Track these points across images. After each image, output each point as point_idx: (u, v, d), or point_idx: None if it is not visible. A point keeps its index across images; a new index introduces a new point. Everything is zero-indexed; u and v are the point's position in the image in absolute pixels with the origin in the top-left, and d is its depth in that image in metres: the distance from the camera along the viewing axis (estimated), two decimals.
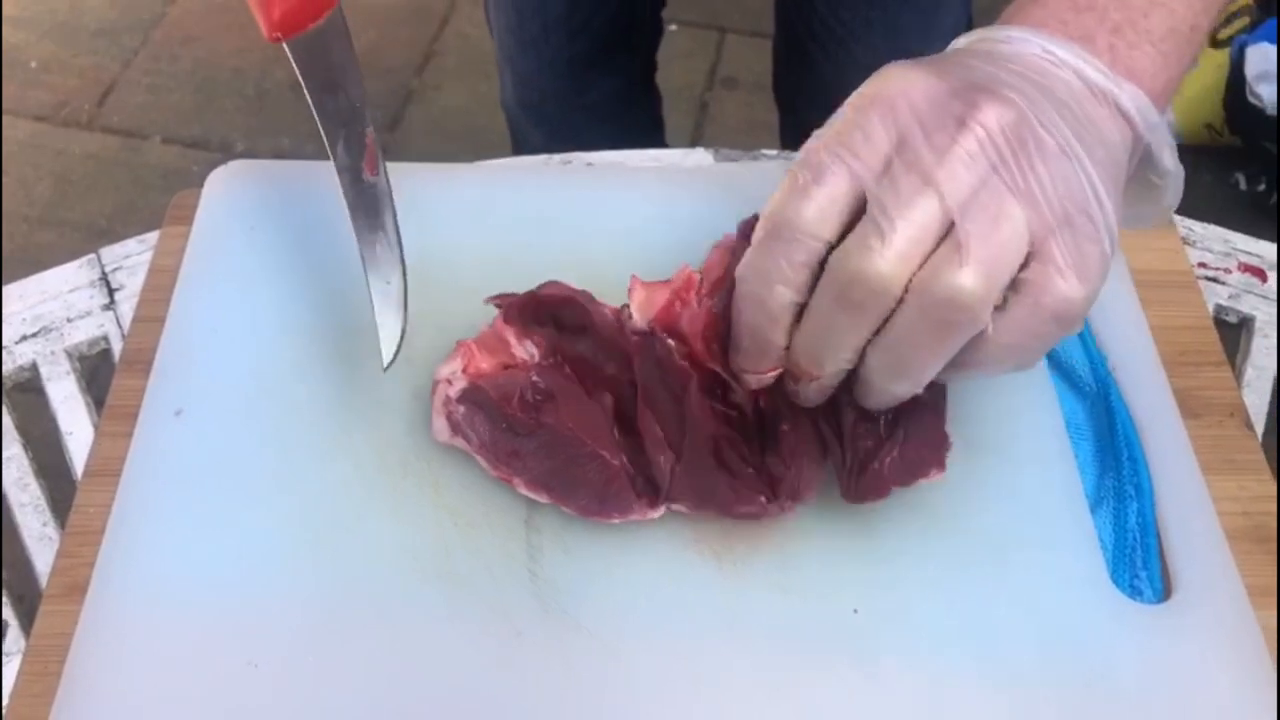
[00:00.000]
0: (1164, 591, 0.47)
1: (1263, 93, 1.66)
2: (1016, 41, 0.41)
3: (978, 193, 0.37)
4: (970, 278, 0.36)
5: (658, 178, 0.59)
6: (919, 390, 0.41)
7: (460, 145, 1.72)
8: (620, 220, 0.57)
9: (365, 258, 0.47)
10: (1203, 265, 0.63)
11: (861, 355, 0.41)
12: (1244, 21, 1.77)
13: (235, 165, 0.58)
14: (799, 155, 0.39)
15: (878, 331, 0.39)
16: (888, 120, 0.38)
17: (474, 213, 0.57)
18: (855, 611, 0.45)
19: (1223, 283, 0.63)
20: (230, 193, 0.57)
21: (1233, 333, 0.62)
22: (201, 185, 0.58)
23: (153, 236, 0.59)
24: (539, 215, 0.57)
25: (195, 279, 0.54)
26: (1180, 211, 0.63)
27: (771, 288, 0.40)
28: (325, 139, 0.46)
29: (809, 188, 0.38)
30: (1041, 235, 0.37)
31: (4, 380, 0.58)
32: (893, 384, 0.40)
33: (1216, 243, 0.64)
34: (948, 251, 0.37)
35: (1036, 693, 0.44)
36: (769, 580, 0.46)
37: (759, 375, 0.44)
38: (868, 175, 0.38)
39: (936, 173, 0.37)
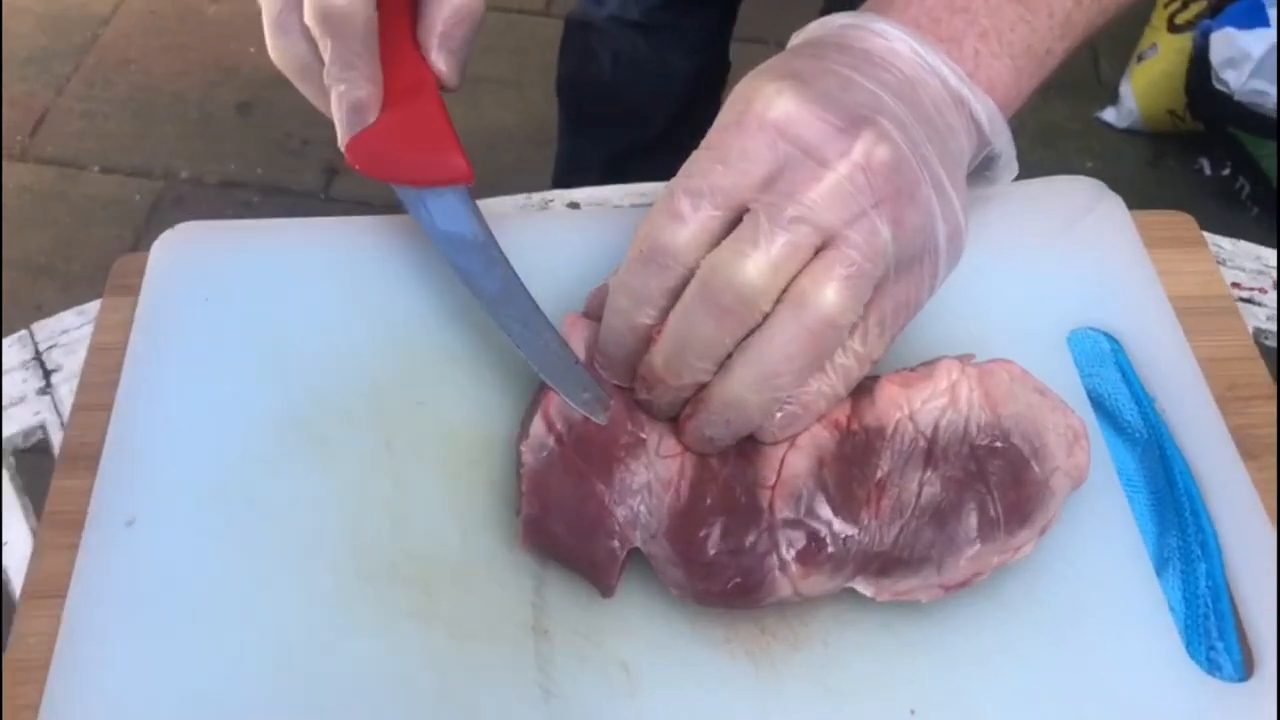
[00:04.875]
0: (1245, 665, 0.43)
1: (1229, 79, 1.64)
2: (892, 39, 0.43)
3: (854, 222, 0.38)
4: (844, 295, 0.38)
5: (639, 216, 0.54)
6: (776, 406, 0.41)
7: None
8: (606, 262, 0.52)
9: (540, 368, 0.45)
10: (1236, 285, 0.58)
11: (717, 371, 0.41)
12: (1202, 5, 1.75)
13: (184, 228, 0.52)
14: (679, 174, 0.40)
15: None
16: (775, 147, 0.39)
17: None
18: (912, 713, 0.40)
19: (1258, 303, 0.58)
20: (180, 258, 0.51)
21: (1272, 356, 0.57)
22: (145, 216, 0.52)
23: (92, 308, 0.53)
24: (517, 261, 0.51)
25: (143, 359, 0.48)
26: (1147, 198, 0.59)
27: (641, 308, 0.41)
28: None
29: (686, 214, 0.39)
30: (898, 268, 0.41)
31: None
32: (757, 394, 0.40)
33: (1248, 260, 0.60)
34: (824, 267, 0.38)
35: None
36: (813, 681, 0.41)
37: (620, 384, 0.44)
38: (749, 192, 0.39)
39: (817, 199, 0.38)
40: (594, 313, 0.45)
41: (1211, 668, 0.43)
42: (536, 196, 0.59)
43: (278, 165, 1.67)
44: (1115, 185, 0.56)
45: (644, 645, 0.41)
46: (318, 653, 0.41)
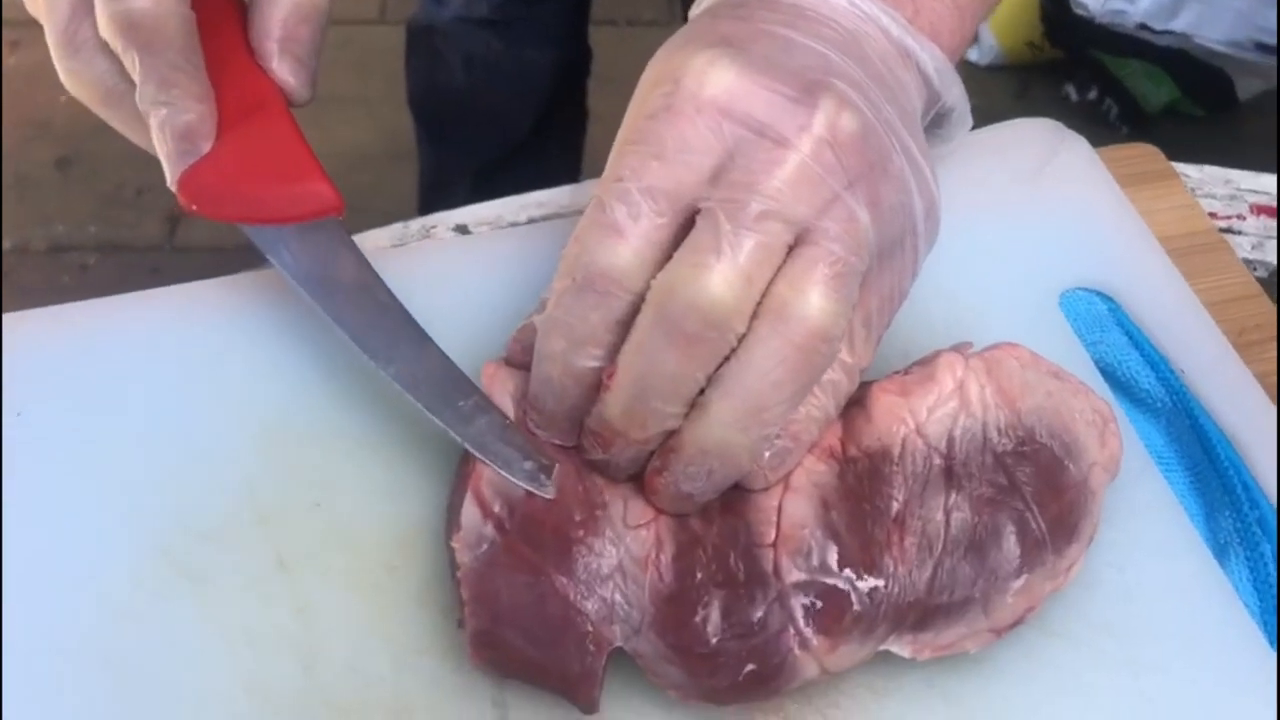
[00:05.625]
0: None
1: (1089, 1, 1.63)
2: None
3: (828, 209, 0.32)
4: (832, 299, 0.32)
5: (542, 232, 0.46)
6: (766, 444, 0.34)
7: None
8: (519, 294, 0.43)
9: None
10: (1213, 215, 0.52)
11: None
12: None
13: None
14: (605, 177, 0.33)
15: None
16: (720, 130, 0.32)
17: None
18: None
19: (1239, 232, 0.53)
20: None
21: (1267, 288, 0.52)
22: None
23: None
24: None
25: None
26: None
27: (583, 349, 0.33)
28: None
29: (624, 225, 0.32)
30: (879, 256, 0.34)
31: None
32: (743, 434, 0.33)
33: (1218, 186, 0.54)
34: (804, 269, 0.32)
35: None
36: None
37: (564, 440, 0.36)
38: (698, 189, 0.32)
39: (782, 188, 0.32)
40: (518, 360, 0.37)
41: None
42: (416, 224, 0.49)
43: (112, 220, 1.53)
44: (989, 122, 0.51)
45: None
46: None
